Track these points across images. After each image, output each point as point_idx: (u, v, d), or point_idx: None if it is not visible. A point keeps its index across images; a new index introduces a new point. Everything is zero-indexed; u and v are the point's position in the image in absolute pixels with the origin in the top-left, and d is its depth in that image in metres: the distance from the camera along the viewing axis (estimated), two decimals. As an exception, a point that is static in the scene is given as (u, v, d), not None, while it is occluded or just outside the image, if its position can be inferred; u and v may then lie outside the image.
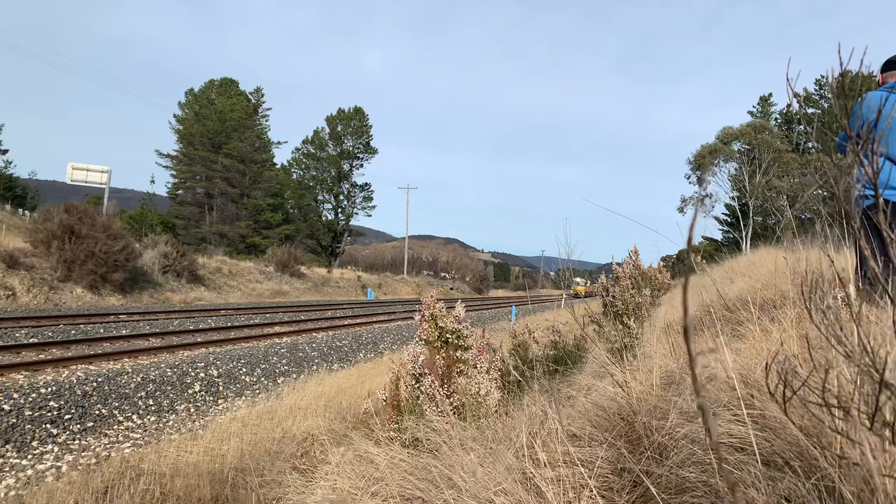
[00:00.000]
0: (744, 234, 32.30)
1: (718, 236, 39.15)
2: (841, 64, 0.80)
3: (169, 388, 7.28)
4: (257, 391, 7.91)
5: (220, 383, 7.96)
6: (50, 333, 9.96)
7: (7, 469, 4.63)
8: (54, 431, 5.47)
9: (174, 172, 45.30)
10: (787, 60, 1.11)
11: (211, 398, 7.38)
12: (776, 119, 41.43)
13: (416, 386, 3.02)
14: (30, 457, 4.91)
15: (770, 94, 42.29)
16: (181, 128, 44.65)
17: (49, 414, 5.72)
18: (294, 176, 52.48)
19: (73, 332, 10.52)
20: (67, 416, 5.79)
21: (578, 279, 52.32)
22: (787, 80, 0.93)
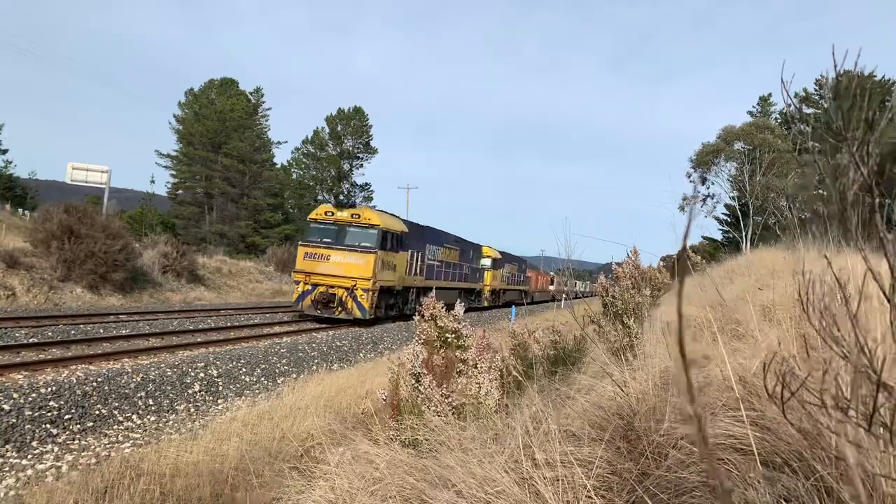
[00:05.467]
0: (744, 234, 32.33)
1: (718, 236, 39.21)
2: (835, 66, 0.80)
3: (169, 388, 7.27)
4: (257, 391, 7.90)
5: (220, 383, 7.96)
6: (50, 333, 9.95)
7: (7, 469, 4.63)
8: (54, 431, 5.46)
9: (174, 172, 45.28)
10: (788, 59, 1.11)
11: (211, 398, 7.37)
12: (776, 119, 41.48)
13: (415, 386, 3.02)
14: (30, 457, 4.90)
15: (770, 94, 42.38)
16: (181, 128, 44.61)
17: (49, 414, 5.72)
18: (294, 176, 52.46)
19: (72, 332, 10.51)
20: (67, 416, 5.79)
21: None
22: (782, 82, 0.93)
